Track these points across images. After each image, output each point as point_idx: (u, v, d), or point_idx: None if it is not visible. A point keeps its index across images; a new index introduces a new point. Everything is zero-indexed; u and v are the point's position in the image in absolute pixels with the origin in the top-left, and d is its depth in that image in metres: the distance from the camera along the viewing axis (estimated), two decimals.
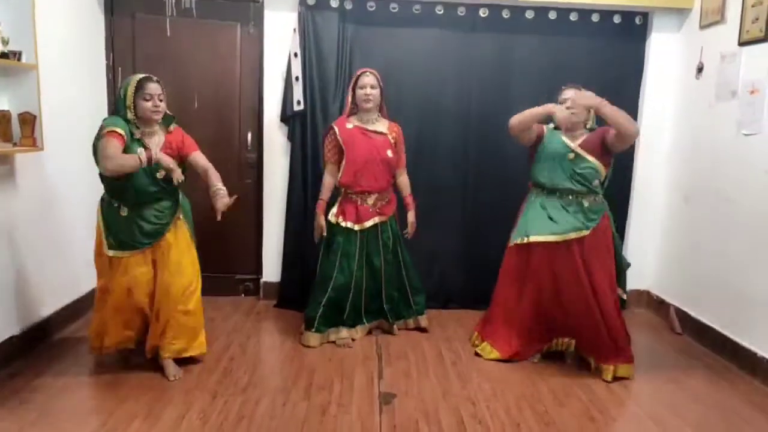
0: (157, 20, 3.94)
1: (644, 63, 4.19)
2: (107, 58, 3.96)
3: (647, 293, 4.40)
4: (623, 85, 4.18)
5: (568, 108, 3.08)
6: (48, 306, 3.36)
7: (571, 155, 3.10)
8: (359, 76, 3.38)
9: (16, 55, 2.79)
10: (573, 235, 3.06)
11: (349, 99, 3.44)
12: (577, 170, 3.08)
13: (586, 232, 3.07)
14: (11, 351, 2.98)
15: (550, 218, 3.11)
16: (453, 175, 4.15)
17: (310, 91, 3.93)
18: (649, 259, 4.35)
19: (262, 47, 3.99)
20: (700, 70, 3.82)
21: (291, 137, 4.00)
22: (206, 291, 4.14)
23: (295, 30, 3.89)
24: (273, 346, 3.43)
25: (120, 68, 3.99)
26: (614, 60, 4.14)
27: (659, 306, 4.22)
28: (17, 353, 3.02)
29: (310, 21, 3.89)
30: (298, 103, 3.88)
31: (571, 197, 3.11)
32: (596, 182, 3.10)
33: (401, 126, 3.62)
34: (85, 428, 2.42)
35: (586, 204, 3.10)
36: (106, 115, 3.99)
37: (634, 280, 4.35)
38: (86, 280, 3.77)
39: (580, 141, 3.13)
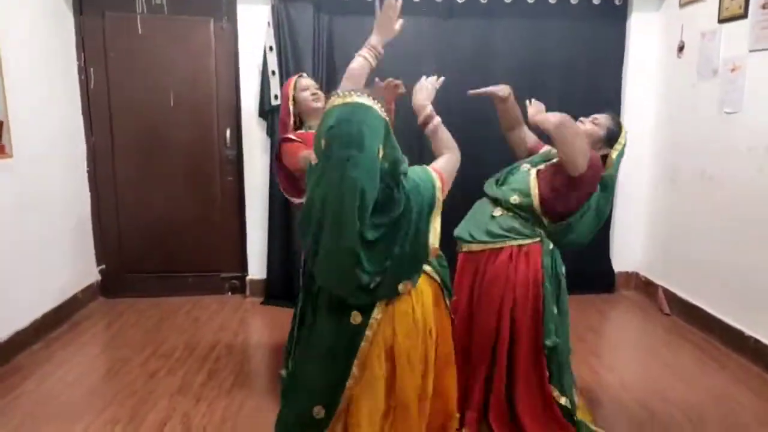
0: (128, 18, 3.85)
1: (625, 43, 4.14)
2: (78, 59, 3.88)
3: (635, 275, 4.39)
4: (605, 67, 4.14)
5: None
6: (26, 312, 3.30)
7: (525, 166, 2.50)
8: (295, 81, 2.73)
9: None
10: (464, 248, 2.48)
11: (291, 108, 2.68)
12: (512, 185, 2.44)
13: (474, 246, 2.43)
14: None
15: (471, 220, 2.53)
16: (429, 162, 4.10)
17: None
18: (636, 240, 4.34)
19: (236, 42, 3.91)
20: (681, 48, 3.78)
21: (270, 132, 3.94)
22: (192, 290, 4.18)
23: (269, 23, 3.82)
24: (260, 344, 3.40)
25: (92, 68, 3.91)
26: (595, 41, 4.10)
27: (647, 287, 4.22)
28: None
29: (284, 13, 3.82)
30: (276, 97, 3.81)
31: (495, 204, 2.46)
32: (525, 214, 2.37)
33: None
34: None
35: (498, 214, 2.42)
36: (80, 115, 3.94)
37: (622, 262, 4.38)
38: (63, 288, 3.73)
39: (542, 166, 2.44)
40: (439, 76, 2.24)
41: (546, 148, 2.60)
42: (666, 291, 3.96)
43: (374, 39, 2.18)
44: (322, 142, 1.53)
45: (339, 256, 1.58)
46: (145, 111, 3.99)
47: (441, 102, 4.16)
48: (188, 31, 3.93)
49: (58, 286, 3.64)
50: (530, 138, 2.67)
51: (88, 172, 4.01)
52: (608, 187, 2.43)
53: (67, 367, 3.03)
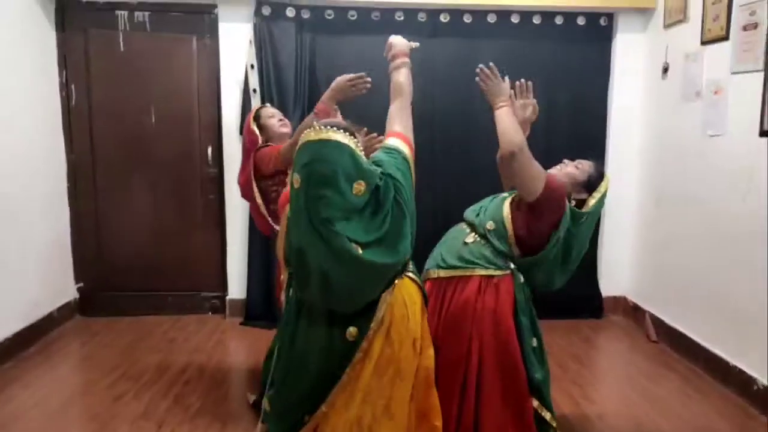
0: (111, 35, 3.85)
1: (611, 64, 4.10)
2: (60, 75, 3.87)
3: (623, 299, 4.29)
4: (590, 88, 4.10)
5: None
6: None
7: (504, 195, 2.41)
8: (258, 111, 2.86)
9: None
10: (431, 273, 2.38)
11: (258, 137, 2.75)
12: (488, 212, 2.35)
13: (442, 273, 2.32)
14: None
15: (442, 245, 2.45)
16: (421, 185, 4.03)
17: (268, 103, 3.83)
18: (624, 263, 4.26)
19: (218, 60, 3.90)
20: (665, 70, 3.73)
21: None
22: (172, 309, 4.12)
23: (251, 41, 3.80)
24: (231, 368, 3.32)
25: (73, 85, 3.90)
26: (580, 62, 4.06)
27: (635, 312, 4.12)
28: None
29: (266, 32, 3.80)
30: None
31: (468, 229, 2.39)
32: (497, 243, 2.27)
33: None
34: None
35: (470, 240, 2.33)
36: (60, 132, 3.92)
37: (610, 286, 4.29)
38: (37, 306, 3.67)
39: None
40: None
41: None
42: (653, 317, 3.87)
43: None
44: (297, 177, 1.53)
45: (354, 274, 1.61)
46: (127, 128, 3.96)
47: (425, 119, 4.15)
48: (170, 49, 3.92)
49: (32, 304, 3.59)
50: None
51: (68, 188, 3.98)
52: (580, 228, 2.34)
53: (33, 389, 2.96)
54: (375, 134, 2.34)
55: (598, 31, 4.04)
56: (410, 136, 1.88)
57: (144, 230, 4.06)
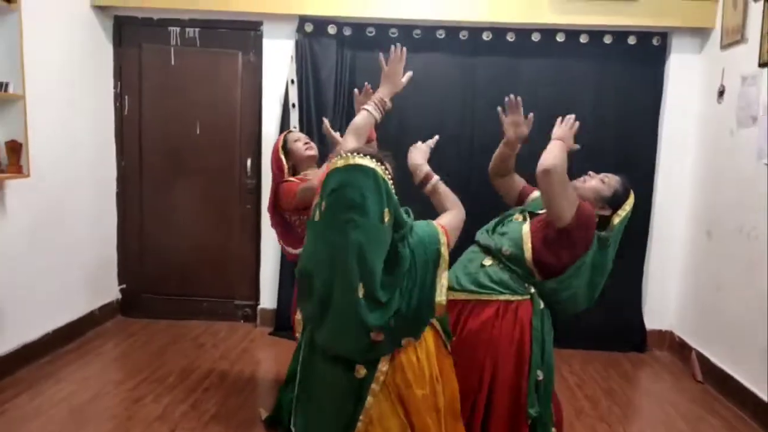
0: (163, 50, 4.03)
1: (663, 87, 3.90)
2: (115, 87, 4.08)
3: (670, 334, 4.03)
4: (640, 112, 3.91)
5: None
6: (38, 326, 3.41)
7: (518, 216, 2.33)
8: (284, 137, 2.83)
9: (3, 86, 2.88)
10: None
11: (285, 164, 2.73)
12: (505, 236, 2.26)
13: (458, 295, 2.20)
14: None
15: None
16: None
17: (306, 118, 3.90)
18: (671, 296, 4.01)
19: (261, 75, 4.00)
20: (721, 93, 3.51)
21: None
22: (206, 315, 4.21)
23: (292, 57, 3.88)
24: (253, 377, 3.34)
25: (127, 96, 4.10)
26: (630, 84, 3.89)
27: (681, 349, 3.86)
28: (1, 374, 3.08)
29: (307, 48, 3.87)
30: (294, 128, 3.84)
31: (482, 252, 2.30)
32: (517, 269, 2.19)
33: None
34: None
35: (488, 263, 2.24)
36: (113, 140, 4.13)
37: (656, 319, 4.05)
38: (80, 305, 3.84)
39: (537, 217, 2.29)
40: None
41: (536, 193, 2.44)
42: (700, 355, 3.60)
43: (381, 92, 2.17)
44: (323, 204, 1.54)
45: (346, 314, 1.57)
46: (173, 138, 4.12)
47: (465, 139, 4.02)
48: (217, 63, 4.06)
49: (74, 302, 3.77)
50: (518, 183, 2.53)
51: (117, 194, 4.18)
52: (605, 251, 2.23)
53: (62, 385, 3.08)
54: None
55: (650, 52, 3.86)
56: (453, 238, 1.84)
57: (184, 236, 4.19)
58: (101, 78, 3.99)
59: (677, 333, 3.96)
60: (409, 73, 2.20)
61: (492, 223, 2.42)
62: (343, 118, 3.89)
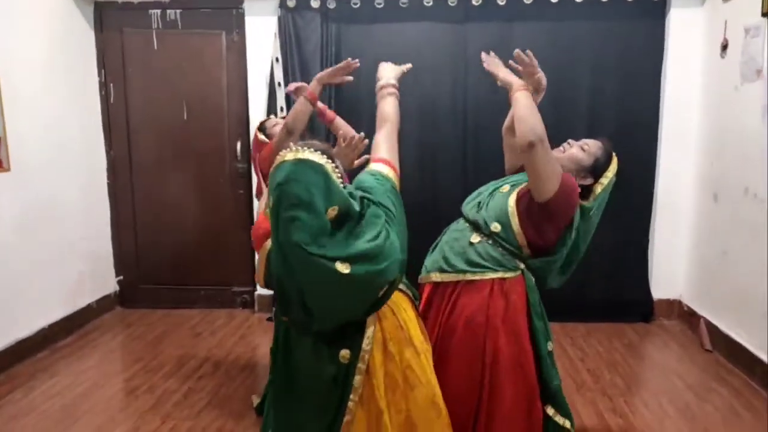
0: (144, 34, 3.93)
1: (664, 44, 3.72)
2: (99, 75, 4.00)
3: (678, 303, 3.91)
4: (641, 71, 3.74)
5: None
6: (33, 320, 3.40)
7: (506, 188, 2.17)
8: (263, 124, 2.84)
9: None
10: (432, 277, 2.17)
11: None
12: (491, 210, 2.11)
13: (447, 276, 2.11)
14: None
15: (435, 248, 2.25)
16: (452, 176, 3.86)
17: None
18: (678, 264, 3.87)
19: (246, 54, 3.89)
20: (724, 47, 3.32)
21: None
22: (204, 303, 4.18)
23: (275, 35, 3.76)
24: (248, 365, 3.30)
25: (112, 84, 4.02)
26: (629, 43, 3.71)
27: (690, 318, 3.73)
28: None
29: (290, 24, 3.74)
30: (281, 109, 3.75)
31: (469, 227, 2.16)
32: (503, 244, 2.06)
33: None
34: None
35: (476, 240, 2.09)
36: (100, 130, 4.06)
37: (664, 288, 3.93)
38: (77, 298, 3.81)
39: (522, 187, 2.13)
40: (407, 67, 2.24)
41: None
42: (708, 323, 3.48)
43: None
44: (272, 198, 1.46)
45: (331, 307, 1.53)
46: (161, 125, 4.05)
47: (458, 109, 3.87)
48: (201, 45, 3.95)
49: (71, 296, 3.75)
50: None
51: (108, 184, 4.13)
52: (587, 222, 2.11)
53: (57, 379, 3.07)
54: (363, 135, 2.18)
55: (649, 7, 3.67)
56: (397, 164, 1.75)
57: (178, 224, 4.14)
58: (85, 66, 3.91)
59: (685, 302, 3.83)
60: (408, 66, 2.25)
61: (476, 193, 2.28)
62: (331, 94, 3.78)
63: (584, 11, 3.68)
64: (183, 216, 4.13)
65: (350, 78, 2.46)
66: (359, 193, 1.57)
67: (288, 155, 1.46)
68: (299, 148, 1.46)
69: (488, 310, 2.03)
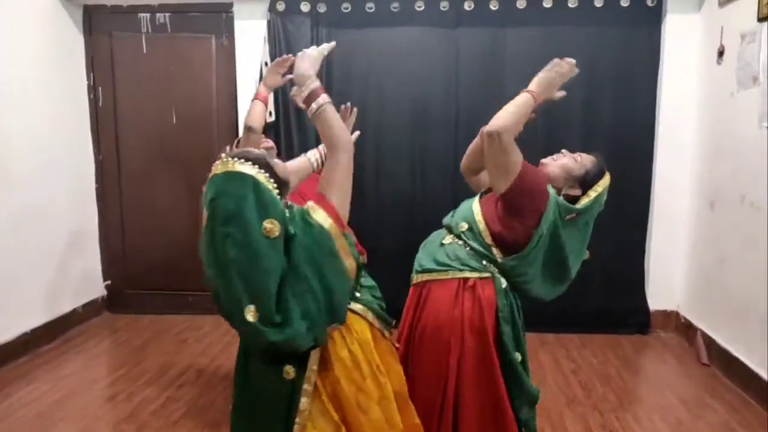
0: (134, 38, 3.90)
1: (660, 52, 3.64)
2: (88, 78, 3.97)
3: (675, 314, 3.81)
4: (637, 79, 3.67)
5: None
6: (14, 325, 3.34)
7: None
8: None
9: None
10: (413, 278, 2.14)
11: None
12: (460, 212, 2.10)
13: (420, 276, 2.08)
14: None
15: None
16: (441, 185, 3.79)
17: (283, 102, 3.74)
18: (676, 274, 3.78)
19: (235, 59, 3.84)
20: (721, 53, 3.25)
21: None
22: (192, 309, 4.12)
23: (265, 39, 3.72)
24: (230, 372, 3.16)
25: (101, 87, 3.99)
26: (624, 49, 3.64)
27: (687, 330, 3.64)
28: None
29: (280, 28, 3.70)
30: (270, 114, 3.69)
31: (448, 232, 2.12)
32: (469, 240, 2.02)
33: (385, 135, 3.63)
34: None
35: (447, 241, 2.08)
36: (89, 133, 4.02)
37: (660, 300, 3.83)
38: (62, 303, 3.76)
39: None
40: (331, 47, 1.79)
41: None
42: (706, 336, 3.38)
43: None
44: (205, 212, 1.40)
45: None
46: (150, 129, 4.01)
47: (449, 116, 3.81)
48: (190, 49, 3.91)
49: (56, 301, 3.69)
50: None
51: (96, 188, 4.08)
52: (570, 230, 2.02)
53: (34, 386, 3.01)
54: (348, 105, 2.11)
55: (644, 13, 3.60)
56: (345, 210, 1.56)
57: (166, 229, 4.08)
58: (73, 70, 3.88)
59: (683, 313, 3.74)
60: (332, 44, 1.84)
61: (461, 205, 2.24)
62: None
63: (578, 16, 3.62)
64: (171, 221, 4.07)
65: (288, 77, 2.50)
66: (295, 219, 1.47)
67: (219, 167, 1.38)
68: (229, 159, 1.38)
69: (454, 309, 1.98)
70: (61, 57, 3.74)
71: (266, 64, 3.72)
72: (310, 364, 1.52)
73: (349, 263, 1.54)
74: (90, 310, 4.02)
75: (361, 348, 1.61)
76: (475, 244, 2.01)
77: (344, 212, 1.56)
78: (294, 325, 1.40)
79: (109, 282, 4.18)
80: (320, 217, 1.49)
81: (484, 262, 2.01)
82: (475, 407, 1.98)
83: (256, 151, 1.45)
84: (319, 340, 1.49)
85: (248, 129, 2.48)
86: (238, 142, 2.69)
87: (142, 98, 3.97)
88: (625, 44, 3.64)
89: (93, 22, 3.93)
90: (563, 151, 2.11)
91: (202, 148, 4.01)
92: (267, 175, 1.38)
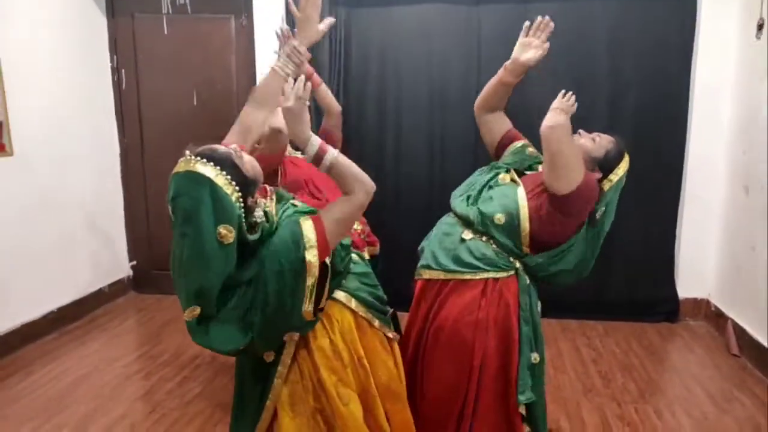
0: (155, 19, 3.90)
1: (696, 25, 3.43)
2: (111, 60, 4.01)
3: (706, 302, 3.65)
4: (670, 55, 3.47)
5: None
6: (40, 304, 3.44)
7: (505, 177, 2.05)
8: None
9: None
10: (423, 274, 2.07)
11: None
12: (495, 201, 1.97)
13: (436, 274, 2.00)
14: None
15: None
16: (461, 168, 3.66)
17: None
18: (707, 261, 3.61)
19: (254, 39, 3.81)
20: (760, 27, 3.04)
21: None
22: None
23: (283, 18, 3.66)
24: None
25: (123, 70, 4.02)
26: (656, 23, 3.45)
27: (717, 319, 3.48)
28: (2, 352, 3.13)
29: (298, 8, 3.63)
30: None
31: (465, 225, 2.02)
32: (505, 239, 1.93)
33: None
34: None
35: (468, 237, 1.97)
36: (113, 116, 4.07)
37: (691, 287, 3.68)
38: (88, 282, 3.85)
39: (528, 177, 2.06)
40: (305, 82, 1.57)
41: (518, 143, 2.14)
42: (736, 326, 3.23)
43: (294, 42, 1.75)
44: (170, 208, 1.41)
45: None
46: (171, 111, 4.03)
47: (469, 96, 3.66)
48: (210, 30, 3.90)
49: (82, 281, 3.79)
50: (505, 124, 2.17)
51: (121, 170, 4.15)
52: (596, 229, 1.95)
53: (57, 363, 3.10)
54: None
55: None
56: (337, 231, 1.52)
57: None
58: (97, 52, 3.92)
59: (714, 301, 3.58)
60: (330, 20, 1.81)
61: (466, 185, 2.15)
62: (340, 82, 3.68)
63: None
64: None
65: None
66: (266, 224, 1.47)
67: (181, 165, 1.37)
68: (192, 158, 1.36)
69: (479, 311, 1.92)
70: (85, 39, 3.78)
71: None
72: (285, 349, 1.57)
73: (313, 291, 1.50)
74: (116, 289, 4.11)
75: (343, 337, 1.61)
76: (504, 239, 1.92)
77: (333, 243, 1.52)
78: (213, 336, 1.43)
79: (134, 262, 4.26)
80: (304, 234, 1.46)
81: (511, 259, 1.94)
82: (493, 412, 1.94)
83: (222, 149, 1.41)
84: (270, 344, 1.54)
85: (278, 131, 2.01)
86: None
87: (164, 80, 3.99)
88: (656, 17, 3.44)
89: (115, 4, 3.95)
90: (580, 131, 2.01)
91: (222, 130, 3.96)
92: (229, 177, 1.35)
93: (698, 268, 3.63)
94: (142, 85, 4.02)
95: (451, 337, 1.93)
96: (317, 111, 3.15)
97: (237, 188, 1.36)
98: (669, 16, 3.44)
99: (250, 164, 1.44)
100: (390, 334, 1.80)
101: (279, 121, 2.06)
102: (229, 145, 1.46)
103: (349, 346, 1.63)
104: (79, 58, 3.72)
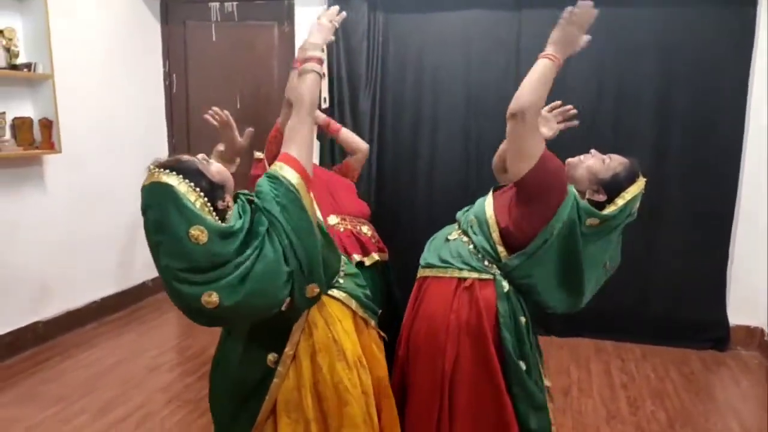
0: (204, 26, 4.08)
1: (754, 36, 3.21)
2: (164, 66, 4.21)
3: (760, 331, 3.37)
4: (724, 68, 3.28)
5: None
6: (83, 294, 3.63)
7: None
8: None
9: (32, 66, 3.04)
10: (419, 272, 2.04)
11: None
12: (473, 208, 2.00)
13: (423, 271, 1.99)
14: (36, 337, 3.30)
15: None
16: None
17: (338, 88, 3.73)
18: (763, 285, 3.33)
19: (294, 45, 3.89)
20: None
21: (319, 136, 3.83)
22: None
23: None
24: None
25: (174, 74, 4.21)
26: (710, 33, 3.27)
27: None
28: (44, 338, 3.34)
29: None
30: (324, 101, 3.70)
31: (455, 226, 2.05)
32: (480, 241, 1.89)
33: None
34: (39, 414, 2.57)
35: (452, 237, 1.98)
36: (164, 119, 4.27)
37: (743, 314, 3.42)
38: (132, 275, 4.03)
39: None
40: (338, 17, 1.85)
41: None
42: None
43: (312, 42, 1.80)
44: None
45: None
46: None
47: (507, 102, 3.62)
48: (255, 37, 4.02)
49: (126, 274, 3.98)
50: None
51: None
52: (591, 237, 1.81)
53: (92, 351, 3.26)
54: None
55: None
56: (307, 159, 1.58)
57: None
58: (150, 57, 4.13)
59: None
60: (344, 14, 1.91)
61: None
62: (376, 88, 3.69)
63: None
64: None
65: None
66: (248, 205, 1.51)
67: (147, 179, 1.42)
68: (156, 170, 1.40)
69: (450, 312, 1.86)
70: (140, 44, 3.99)
71: (322, 50, 3.71)
72: (286, 349, 1.57)
73: (316, 222, 1.56)
74: (159, 283, 4.28)
75: (347, 337, 1.63)
76: (480, 240, 1.89)
77: (309, 169, 1.58)
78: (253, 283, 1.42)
79: None
80: (288, 173, 1.51)
81: (486, 263, 1.88)
82: (470, 412, 1.86)
83: (186, 157, 1.46)
84: (297, 300, 1.51)
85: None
86: None
87: (210, 84, 4.15)
88: (710, 27, 3.25)
89: (169, 12, 4.15)
90: (592, 151, 1.92)
91: (263, 134, 4.09)
92: (192, 184, 1.39)
93: (753, 293, 3.36)
94: (191, 89, 4.20)
95: (425, 340, 1.90)
96: (342, 153, 3.18)
97: (202, 194, 1.39)
98: (724, 26, 3.24)
99: (216, 170, 1.49)
100: (383, 334, 1.81)
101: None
102: (197, 155, 1.51)
103: (351, 346, 1.64)
104: (133, 61, 3.93)
